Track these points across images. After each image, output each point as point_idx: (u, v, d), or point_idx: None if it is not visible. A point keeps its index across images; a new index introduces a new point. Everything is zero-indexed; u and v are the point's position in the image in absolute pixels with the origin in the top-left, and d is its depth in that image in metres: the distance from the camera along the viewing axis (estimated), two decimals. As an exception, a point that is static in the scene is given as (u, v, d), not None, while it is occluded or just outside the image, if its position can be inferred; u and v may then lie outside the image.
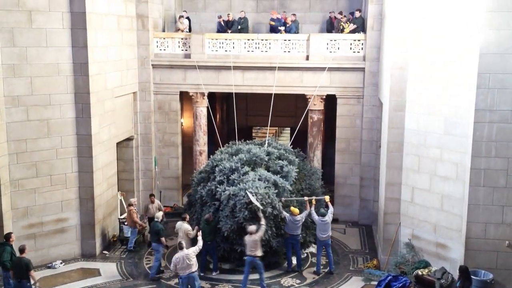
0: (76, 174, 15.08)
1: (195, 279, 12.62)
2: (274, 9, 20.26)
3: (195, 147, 19.48)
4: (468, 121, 12.35)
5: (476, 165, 12.13)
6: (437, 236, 13.61)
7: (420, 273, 13.52)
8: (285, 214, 14.26)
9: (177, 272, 12.65)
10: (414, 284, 13.24)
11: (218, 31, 19.54)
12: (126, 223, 16.66)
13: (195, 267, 12.58)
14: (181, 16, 19.53)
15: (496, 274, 12.34)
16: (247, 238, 13.32)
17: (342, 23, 18.63)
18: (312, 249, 16.12)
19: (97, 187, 15.37)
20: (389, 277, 13.27)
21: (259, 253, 13.37)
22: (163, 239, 14.24)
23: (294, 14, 19.48)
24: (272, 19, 19.37)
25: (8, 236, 12.64)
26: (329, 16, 19.62)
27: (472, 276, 11.94)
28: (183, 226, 14.17)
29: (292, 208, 14.36)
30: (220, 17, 19.72)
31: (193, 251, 12.62)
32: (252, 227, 13.36)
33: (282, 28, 18.92)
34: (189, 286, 12.73)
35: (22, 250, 12.04)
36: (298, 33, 19.00)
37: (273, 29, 19.26)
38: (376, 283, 13.59)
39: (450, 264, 13.29)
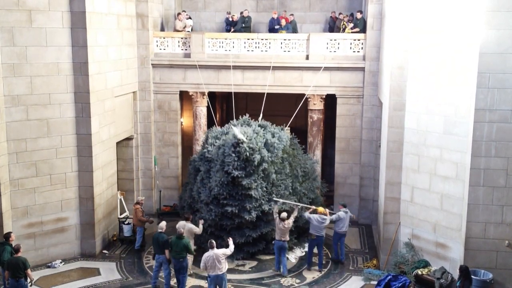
0: (76, 173, 15.08)
1: (223, 279, 12.46)
2: (274, 9, 20.27)
3: (195, 146, 19.47)
4: (468, 121, 12.36)
5: (476, 165, 12.14)
6: (437, 236, 13.62)
7: (419, 272, 13.53)
8: (308, 215, 14.54)
9: (207, 271, 12.44)
10: (413, 283, 13.26)
11: (227, 29, 19.55)
12: (126, 222, 16.69)
13: (224, 268, 12.41)
14: (178, 14, 19.52)
15: (495, 273, 12.35)
16: (278, 224, 14.08)
17: (344, 22, 18.64)
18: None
19: (96, 187, 15.37)
20: (389, 277, 13.30)
21: (287, 237, 14.24)
22: (167, 251, 13.28)
23: (292, 14, 19.49)
24: (272, 19, 19.39)
25: (7, 235, 12.63)
26: (331, 16, 19.59)
27: (472, 276, 11.95)
28: (186, 226, 13.96)
29: (320, 208, 14.82)
30: (229, 13, 19.68)
31: (223, 253, 12.38)
32: (284, 214, 14.16)
33: (278, 27, 18.95)
34: (217, 286, 12.52)
35: (17, 249, 12.01)
36: (295, 32, 18.99)
37: (272, 29, 19.28)
38: (375, 282, 13.61)
39: (450, 263, 13.29)
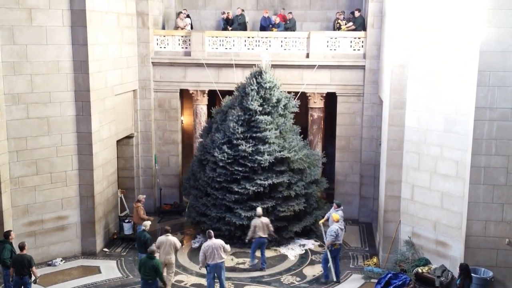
0: (76, 171, 15.08)
1: (222, 268, 12.68)
2: (274, 7, 20.30)
3: (195, 145, 19.45)
4: (468, 119, 12.35)
5: (476, 163, 12.14)
6: (437, 234, 13.62)
7: (420, 270, 13.55)
8: (331, 233, 13.70)
9: (206, 261, 12.60)
10: (414, 281, 13.25)
11: (223, 28, 19.54)
12: (127, 220, 16.68)
13: (222, 258, 12.65)
14: (180, 12, 19.51)
15: (496, 271, 12.36)
16: (256, 221, 14.30)
17: (339, 21, 18.64)
18: (312, 245, 16.18)
19: (97, 185, 15.38)
20: (389, 275, 13.28)
21: (264, 234, 14.36)
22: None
23: (290, 12, 19.47)
24: (264, 18, 19.36)
25: (7, 234, 12.63)
26: (336, 18, 19.52)
27: (472, 274, 11.95)
28: (168, 240, 13.23)
29: (334, 215, 14.21)
30: (223, 13, 19.69)
31: (221, 244, 12.61)
32: (259, 210, 14.46)
33: (271, 25, 18.95)
34: (216, 275, 12.78)
35: (22, 247, 12.03)
36: (293, 30, 18.98)
37: (264, 28, 19.27)
38: (376, 280, 13.60)
39: (450, 262, 13.30)
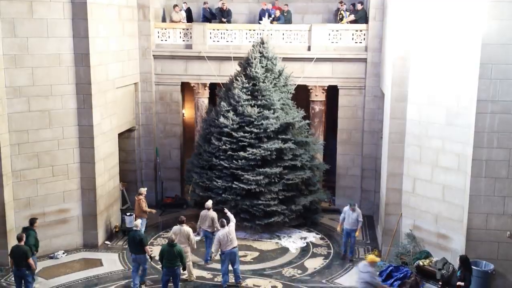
0: (78, 164, 15.09)
1: (236, 254, 13.07)
2: (273, -1, 20.31)
3: (196, 138, 19.45)
4: (470, 112, 12.33)
5: (477, 156, 12.13)
6: (439, 227, 13.63)
7: (421, 263, 13.57)
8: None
9: (221, 249, 12.93)
10: (415, 274, 13.28)
11: (202, 20, 19.54)
12: (128, 213, 16.68)
13: (236, 242, 13.06)
14: (175, 5, 19.43)
15: (497, 264, 12.38)
16: (202, 212, 14.54)
17: (342, 12, 18.57)
18: (313, 238, 16.18)
19: (98, 178, 15.39)
20: (390, 268, 13.35)
21: (206, 227, 14.51)
22: (147, 248, 12.89)
23: (286, 5, 19.40)
24: (262, 10, 19.28)
25: (33, 221, 12.87)
26: (338, 7, 19.45)
27: (473, 267, 11.98)
28: (182, 230, 13.23)
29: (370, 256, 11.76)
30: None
31: (233, 227, 13.17)
32: (209, 202, 14.58)
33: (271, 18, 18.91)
34: (230, 262, 13.15)
35: (19, 238, 12.06)
36: (289, 23, 18.94)
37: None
38: (377, 273, 13.63)
39: (451, 254, 13.31)
